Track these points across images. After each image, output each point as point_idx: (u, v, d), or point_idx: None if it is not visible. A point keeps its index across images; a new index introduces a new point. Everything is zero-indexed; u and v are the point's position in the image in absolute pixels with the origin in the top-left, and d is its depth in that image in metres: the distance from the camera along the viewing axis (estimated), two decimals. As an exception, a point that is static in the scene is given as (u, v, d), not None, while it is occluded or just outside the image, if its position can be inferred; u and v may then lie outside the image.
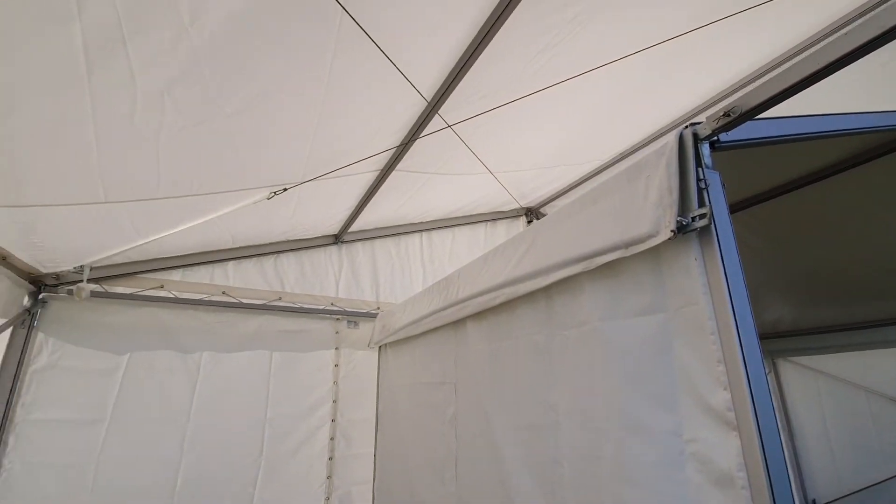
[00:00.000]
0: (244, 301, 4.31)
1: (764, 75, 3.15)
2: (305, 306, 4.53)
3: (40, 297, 3.68)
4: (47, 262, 3.50)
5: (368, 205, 4.07)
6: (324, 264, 4.76)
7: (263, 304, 4.37)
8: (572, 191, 4.99)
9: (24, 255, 3.25)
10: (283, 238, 4.47)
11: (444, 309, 2.56)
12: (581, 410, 1.58)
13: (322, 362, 4.47)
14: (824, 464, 4.21)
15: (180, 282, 4.16)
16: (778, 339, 4.02)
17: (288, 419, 4.18)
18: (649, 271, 1.38)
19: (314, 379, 4.39)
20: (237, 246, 4.31)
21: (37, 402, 3.53)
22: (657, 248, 1.30)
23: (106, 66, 1.66)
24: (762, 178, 2.70)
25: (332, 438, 4.30)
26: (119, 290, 3.90)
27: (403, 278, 5.10)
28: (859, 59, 1.01)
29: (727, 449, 1.08)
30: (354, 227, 4.67)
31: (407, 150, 3.12)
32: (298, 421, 4.22)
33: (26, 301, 3.60)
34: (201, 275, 4.26)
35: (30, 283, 3.57)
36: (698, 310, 1.20)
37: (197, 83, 1.92)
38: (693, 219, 1.20)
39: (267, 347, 4.31)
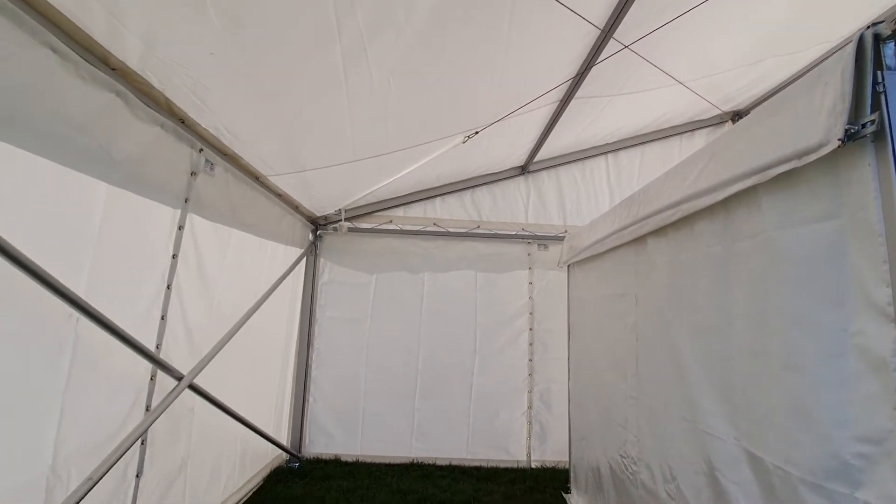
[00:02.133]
0: (450, 230, 5.17)
1: None
2: (499, 232, 5.17)
3: (318, 233, 5.17)
4: (319, 208, 4.86)
5: (550, 135, 4.31)
6: (513, 193, 5.27)
7: (465, 232, 5.16)
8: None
9: (307, 204, 4.60)
10: (477, 174, 5.10)
11: (627, 227, 2.76)
12: (754, 312, 1.71)
13: (518, 280, 5.11)
14: None
15: (403, 216, 5.23)
16: None
17: (493, 326, 5.02)
18: (824, 179, 1.39)
19: (512, 294, 5.09)
20: (441, 184, 5.12)
21: (327, 305, 5.11)
22: (832, 155, 1.30)
23: (354, 69, 2.33)
24: None
25: (530, 344, 5.01)
26: (363, 225, 5.16)
27: (589, 201, 5.26)
28: None
29: (884, 339, 1.16)
30: (539, 157, 4.99)
31: (584, 79, 3.23)
32: (501, 327, 5.02)
33: (310, 237, 5.12)
34: (417, 210, 5.25)
35: (311, 223, 5.04)
36: (869, 214, 1.22)
37: (409, 65, 2.49)
38: (864, 125, 1.18)
39: (471, 268, 5.15)
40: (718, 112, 4.97)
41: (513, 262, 5.16)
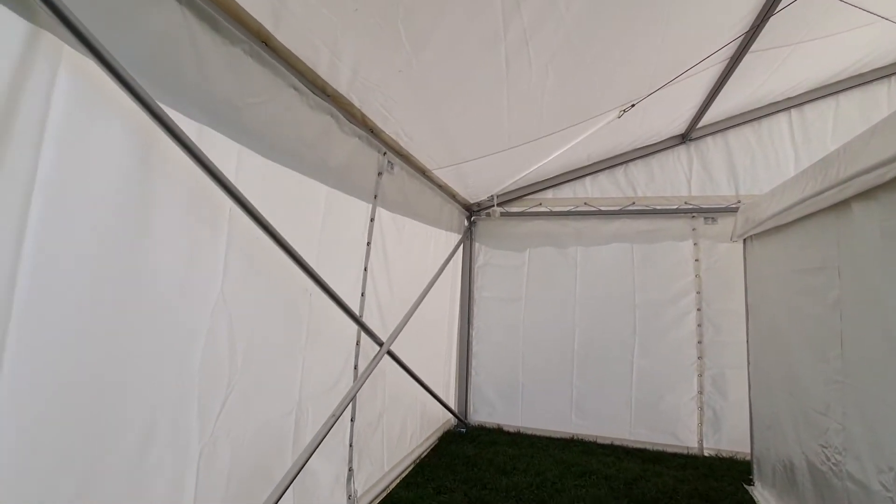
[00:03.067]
0: (602, 208, 5.07)
1: None
2: (658, 207, 4.90)
3: (472, 219, 5.54)
4: (473, 195, 5.21)
5: (717, 97, 3.93)
6: (672, 165, 4.92)
7: (619, 210, 5.01)
8: None
9: (463, 192, 4.97)
10: (630, 147, 4.89)
11: (824, 192, 2.44)
12: None
13: (680, 257, 4.80)
14: None
15: (552, 199, 5.29)
16: None
17: (654, 306, 4.81)
18: None
19: (674, 272, 4.80)
20: (591, 162, 5.04)
21: (483, 286, 5.48)
22: None
23: (516, 64, 2.51)
24: None
25: (699, 325, 4.68)
26: (514, 209, 5.36)
27: (767, 166, 4.65)
28: None
29: None
30: (702, 123, 4.57)
31: (760, 31, 2.90)
32: (664, 308, 4.78)
33: (466, 223, 5.51)
34: (566, 191, 5.26)
35: (466, 210, 5.43)
36: None
37: (566, 50, 2.57)
38: None
39: (627, 246, 4.97)
40: (956, 38, 3.94)
41: (674, 238, 4.85)
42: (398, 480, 3.67)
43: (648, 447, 4.65)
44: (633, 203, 4.98)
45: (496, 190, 5.16)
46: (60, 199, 1.27)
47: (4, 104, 1.15)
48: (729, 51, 3.24)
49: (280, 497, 2.05)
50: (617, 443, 4.74)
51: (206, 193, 1.73)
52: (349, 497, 2.96)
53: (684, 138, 4.81)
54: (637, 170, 5.03)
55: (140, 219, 1.50)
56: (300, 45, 2.05)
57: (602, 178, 5.14)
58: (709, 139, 4.82)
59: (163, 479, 1.59)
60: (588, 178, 5.18)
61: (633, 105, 3.53)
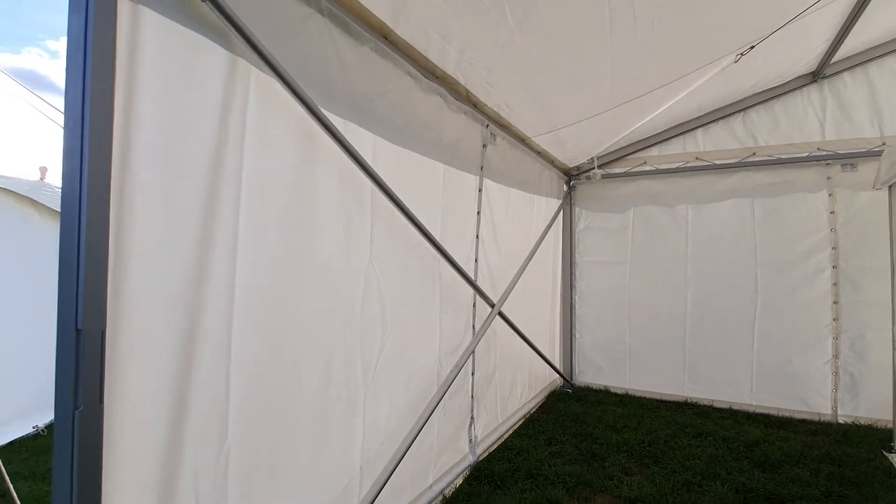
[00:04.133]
0: (717, 163, 4.74)
1: None
2: (783, 157, 4.46)
3: (571, 183, 5.50)
4: (572, 159, 5.16)
5: (855, 25, 3.44)
6: (800, 108, 4.42)
7: (737, 163, 4.65)
8: None
9: (561, 157, 4.95)
10: (749, 93, 4.48)
11: None
12: None
13: (812, 210, 4.36)
14: None
15: (658, 156, 5.05)
16: None
17: (779, 264, 4.46)
18: None
19: (804, 227, 4.38)
20: (703, 113, 4.70)
21: (584, 251, 5.47)
22: None
23: (620, 20, 2.48)
24: None
25: (834, 284, 4.26)
26: (616, 170, 5.22)
27: (927, 98, 3.99)
28: None
29: None
30: (837, 57, 4.03)
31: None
32: (792, 266, 4.42)
33: (565, 188, 5.49)
34: (675, 147, 4.98)
35: (565, 174, 5.40)
36: None
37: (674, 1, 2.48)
38: None
39: (746, 202, 4.62)
40: None
41: (804, 190, 4.40)
42: (511, 431, 3.97)
43: (773, 413, 4.43)
44: (754, 154, 4.59)
45: (596, 152, 5.06)
46: (258, 188, 1.63)
47: (219, 119, 1.51)
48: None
49: (424, 423, 2.45)
50: (736, 407, 4.58)
51: (353, 176, 2.04)
52: (470, 440, 3.30)
53: (815, 76, 4.28)
54: (758, 117, 4.59)
55: (309, 198, 1.84)
56: (416, 36, 2.26)
57: (716, 129, 4.78)
58: (845, 75, 4.24)
59: (341, 405, 2.01)
60: (699, 131, 4.85)
61: (752, 47, 3.25)
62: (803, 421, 4.25)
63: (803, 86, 4.36)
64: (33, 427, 3.91)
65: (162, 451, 1.30)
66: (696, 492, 2.97)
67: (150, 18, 1.29)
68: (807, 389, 4.35)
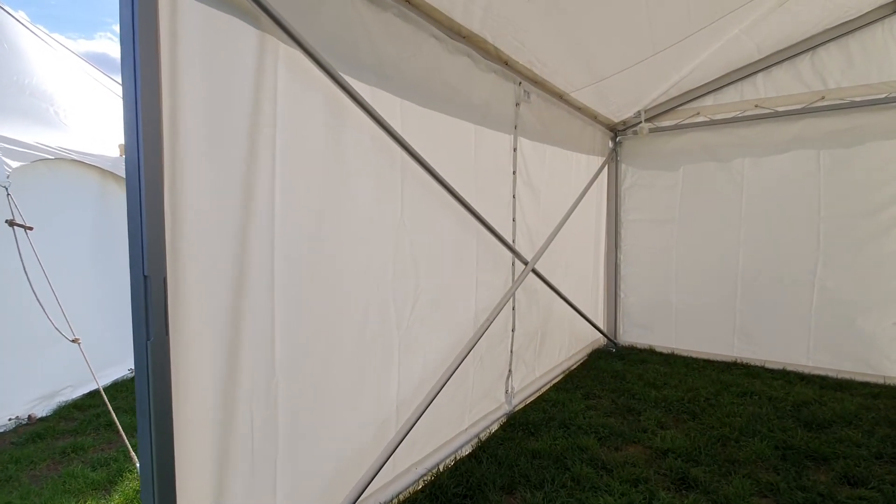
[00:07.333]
0: (779, 110, 4.38)
1: None
2: (858, 100, 4.05)
3: (617, 139, 5.31)
4: (617, 113, 4.96)
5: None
6: (880, 43, 3.96)
7: (802, 109, 4.28)
8: None
9: (605, 112, 4.78)
10: (817, 30, 4.06)
11: None
12: None
13: (889, 157, 3.97)
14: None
15: (713, 105, 4.74)
16: None
17: (845, 218, 4.15)
18: None
19: (879, 177, 4.02)
20: (763, 56, 4.33)
21: (630, 209, 5.32)
22: None
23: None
24: None
25: (908, 238, 3.92)
26: (665, 123, 4.97)
27: None
28: None
29: None
30: (930, -22, 3.54)
31: None
32: (860, 220, 4.09)
33: (610, 144, 5.31)
34: (731, 94, 4.65)
35: (610, 130, 5.22)
36: None
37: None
38: None
39: (811, 152, 4.28)
40: None
41: (882, 137, 4.00)
42: (548, 386, 4.10)
43: (831, 374, 4.24)
44: (823, 98, 4.20)
45: (643, 104, 4.83)
46: (291, 155, 1.80)
47: (253, 96, 1.67)
48: None
49: (455, 369, 2.65)
50: (790, 368, 4.41)
51: (383, 141, 2.17)
52: (506, 392, 3.48)
53: (901, 4, 3.79)
54: (828, 56, 4.16)
55: (341, 162, 1.99)
56: (438, -4, 2.29)
57: (778, 72, 4.39)
58: (941, -2, 3.72)
59: (378, 347, 2.23)
60: (759, 76, 4.48)
61: (815, -22, 2.95)
62: (865, 384, 4.03)
63: (884, 17, 3.87)
64: (128, 370, 4.58)
65: (221, 378, 1.55)
66: (732, 447, 2.98)
67: (187, 4, 1.44)
68: (872, 350, 4.10)
